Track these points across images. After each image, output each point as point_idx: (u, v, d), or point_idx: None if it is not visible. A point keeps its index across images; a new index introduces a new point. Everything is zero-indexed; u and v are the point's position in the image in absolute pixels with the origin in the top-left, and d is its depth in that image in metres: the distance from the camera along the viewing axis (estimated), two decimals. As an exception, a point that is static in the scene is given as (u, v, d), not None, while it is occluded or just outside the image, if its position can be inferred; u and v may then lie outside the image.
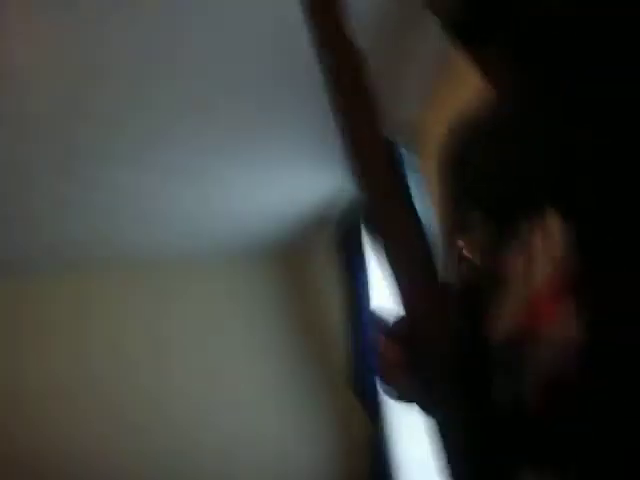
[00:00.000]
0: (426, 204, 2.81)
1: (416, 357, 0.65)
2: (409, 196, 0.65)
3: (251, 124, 2.90)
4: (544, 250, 0.63)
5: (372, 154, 0.61)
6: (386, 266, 0.63)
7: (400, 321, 0.68)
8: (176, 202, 3.59)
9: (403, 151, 2.95)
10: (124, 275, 4.25)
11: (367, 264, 3.65)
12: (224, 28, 2.24)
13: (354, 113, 0.62)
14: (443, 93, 2.65)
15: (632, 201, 0.58)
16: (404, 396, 0.77)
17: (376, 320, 0.74)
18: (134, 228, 3.85)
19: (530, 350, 0.64)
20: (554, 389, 0.62)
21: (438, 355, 0.62)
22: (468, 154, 0.85)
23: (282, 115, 2.86)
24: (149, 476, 3.96)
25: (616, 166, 0.60)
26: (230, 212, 3.88)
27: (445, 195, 0.93)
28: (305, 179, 3.54)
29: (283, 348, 4.45)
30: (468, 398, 0.66)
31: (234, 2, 2.12)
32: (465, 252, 0.76)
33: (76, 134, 2.77)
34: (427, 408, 0.72)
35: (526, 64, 0.72)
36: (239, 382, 4.31)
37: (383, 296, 3.32)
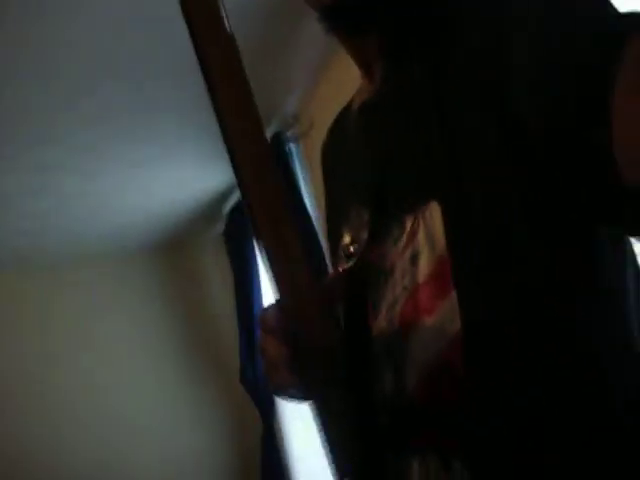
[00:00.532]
0: (312, 198, 2.83)
1: (296, 353, 0.64)
2: (287, 194, 0.65)
3: (137, 120, 2.83)
4: (427, 245, 0.64)
5: (249, 151, 0.60)
6: (265, 262, 0.62)
7: (281, 317, 0.67)
8: (65, 200, 3.46)
9: (290, 144, 2.96)
10: (11, 277, 4.13)
11: (258, 257, 3.66)
12: (102, 21, 2.16)
13: (230, 107, 0.61)
14: (327, 84, 2.67)
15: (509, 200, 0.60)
16: (288, 392, 0.76)
17: (259, 317, 0.73)
18: (24, 228, 3.69)
19: (413, 342, 0.66)
20: (437, 380, 0.63)
21: (317, 350, 0.62)
22: (343, 147, 0.86)
23: (168, 109, 2.82)
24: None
25: (499, 158, 0.60)
26: (121, 208, 3.79)
27: (328, 189, 0.93)
28: (194, 173, 3.50)
29: (176, 342, 4.44)
30: (349, 390, 0.67)
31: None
32: (350, 246, 0.76)
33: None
34: (311, 403, 0.72)
35: (403, 53, 0.72)
36: (132, 380, 4.27)
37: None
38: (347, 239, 0.78)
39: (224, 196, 3.79)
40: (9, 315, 4.11)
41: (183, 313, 4.52)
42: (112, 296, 4.39)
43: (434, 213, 0.63)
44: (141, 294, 4.47)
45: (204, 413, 4.38)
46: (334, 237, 0.85)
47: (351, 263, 0.75)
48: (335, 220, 0.86)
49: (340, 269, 0.77)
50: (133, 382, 4.28)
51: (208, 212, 4.06)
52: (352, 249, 0.76)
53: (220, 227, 4.10)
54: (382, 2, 0.70)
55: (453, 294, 0.61)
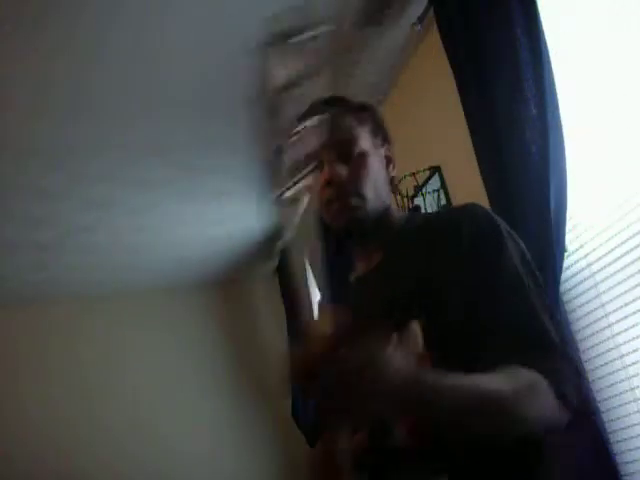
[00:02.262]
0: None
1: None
2: None
3: (191, 155, 2.90)
4: (412, 346, 0.89)
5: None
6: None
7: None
8: (117, 235, 3.55)
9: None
10: (67, 309, 4.22)
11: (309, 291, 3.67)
12: (164, 65, 2.24)
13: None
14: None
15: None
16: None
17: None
18: (75, 263, 3.79)
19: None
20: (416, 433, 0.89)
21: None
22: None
23: (223, 145, 2.87)
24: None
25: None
26: (172, 244, 3.85)
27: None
28: (247, 209, 3.53)
29: (227, 377, 4.46)
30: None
31: (169, 44, 2.12)
32: None
33: (16, 174, 2.71)
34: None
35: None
36: (183, 413, 4.28)
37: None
38: None
39: (277, 233, 3.83)
40: (67, 346, 4.20)
41: (234, 348, 4.53)
42: (163, 330, 4.43)
43: (416, 326, 0.92)
44: (192, 329, 4.49)
45: (256, 448, 4.36)
46: None
47: None
48: None
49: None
50: (183, 415, 4.28)
51: (261, 249, 4.08)
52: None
53: (272, 263, 4.13)
54: None
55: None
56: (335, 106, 1.08)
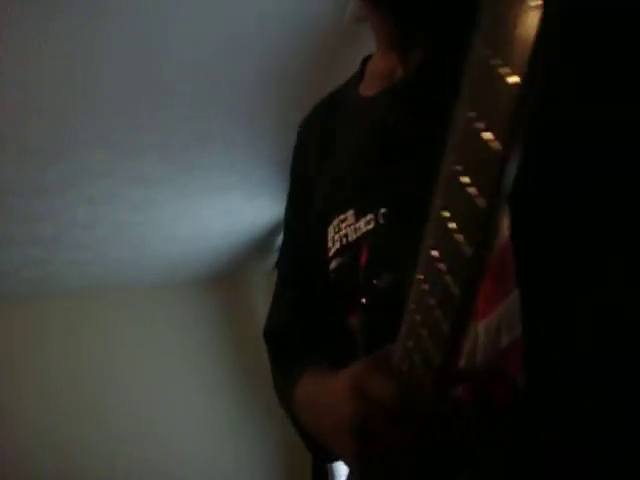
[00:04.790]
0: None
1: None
2: None
3: (189, 151, 2.88)
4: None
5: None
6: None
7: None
8: (116, 231, 3.54)
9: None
10: (66, 305, 4.23)
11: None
12: (162, 62, 2.22)
13: None
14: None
15: None
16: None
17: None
18: (74, 258, 3.78)
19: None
20: (485, 389, 0.58)
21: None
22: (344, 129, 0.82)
23: (221, 142, 2.86)
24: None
25: None
26: (172, 241, 3.84)
27: (304, 168, 0.92)
28: (246, 206, 3.53)
29: (226, 375, 4.46)
30: None
31: (167, 40, 2.10)
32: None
33: (15, 168, 2.69)
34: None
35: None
36: (182, 411, 4.28)
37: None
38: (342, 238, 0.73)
39: (276, 229, 3.82)
40: (68, 342, 4.19)
41: (232, 345, 4.53)
42: (162, 327, 4.43)
43: None
44: (192, 325, 4.50)
45: (255, 446, 4.35)
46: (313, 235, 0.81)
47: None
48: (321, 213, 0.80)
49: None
50: (183, 413, 4.28)
51: (260, 245, 4.08)
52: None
53: (272, 260, 4.12)
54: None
55: (514, 294, 0.54)
56: None
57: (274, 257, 4.05)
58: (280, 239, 3.53)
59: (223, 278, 4.57)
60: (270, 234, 3.89)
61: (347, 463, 0.61)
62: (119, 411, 4.15)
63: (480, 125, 0.36)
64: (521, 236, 0.53)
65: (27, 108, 2.36)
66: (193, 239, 3.90)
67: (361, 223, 0.71)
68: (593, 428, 0.52)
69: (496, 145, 0.35)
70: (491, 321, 0.55)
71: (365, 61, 0.84)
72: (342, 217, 0.74)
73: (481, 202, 0.37)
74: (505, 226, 0.53)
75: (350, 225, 0.72)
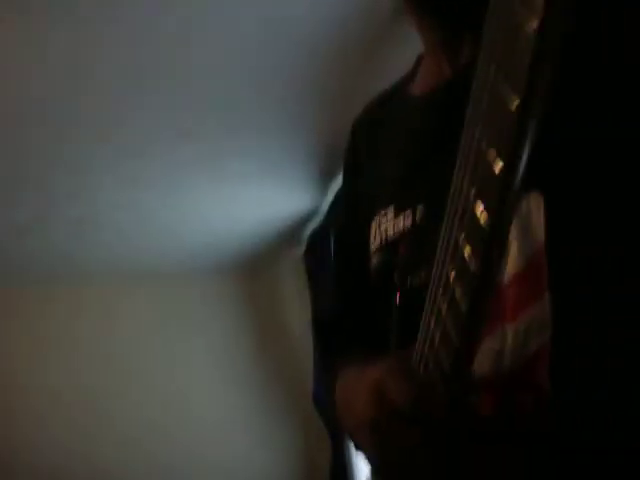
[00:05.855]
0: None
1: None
2: None
3: (221, 137, 2.89)
4: (518, 240, 0.57)
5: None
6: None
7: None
8: (144, 214, 3.57)
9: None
10: (95, 290, 4.23)
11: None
12: (196, 48, 2.23)
13: None
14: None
15: None
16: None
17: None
18: (104, 240, 3.83)
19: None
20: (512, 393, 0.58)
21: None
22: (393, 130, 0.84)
23: (253, 129, 2.86)
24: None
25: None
26: (201, 228, 3.86)
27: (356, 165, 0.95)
28: (275, 194, 3.53)
29: (251, 364, 4.45)
30: None
31: (203, 22, 2.11)
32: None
33: (52, 147, 2.73)
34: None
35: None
36: (204, 399, 4.30)
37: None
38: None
39: (305, 219, 3.81)
40: (99, 327, 4.22)
41: (259, 335, 4.52)
42: (188, 315, 4.43)
43: (534, 204, 0.53)
44: (218, 314, 4.50)
45: (278, 435, 4.36)
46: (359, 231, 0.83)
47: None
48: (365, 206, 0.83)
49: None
50: (205, 402, 4.29)
51: (288, 234, 4.07)
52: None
53: (300, 250, 4.12)
54: None
55: (546, 297, 0.53)
56: None
57: (302, 248, 4.04)
58: (309, 229, 3.50)
59: (250, 267, 4.56)
60: (300, 224, 3.88)
61: (367, 457, 0.69)
62: (147, 397, 4.16)
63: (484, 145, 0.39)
64: (556, 240, 0.53)
65: (72, 86, 2.39)
66: (221, 225, 3.90)
67: (400, 219, 0.73)
68: (624, 435, 0.52)
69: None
70: (520, 324, 0.55)
71: (420, 59, 0.84)
72: (383, 212, 0.77)
73: (484, 219, 0.39)
74: (541, 229, 0.53)
75: (390, 220, 0.75)
